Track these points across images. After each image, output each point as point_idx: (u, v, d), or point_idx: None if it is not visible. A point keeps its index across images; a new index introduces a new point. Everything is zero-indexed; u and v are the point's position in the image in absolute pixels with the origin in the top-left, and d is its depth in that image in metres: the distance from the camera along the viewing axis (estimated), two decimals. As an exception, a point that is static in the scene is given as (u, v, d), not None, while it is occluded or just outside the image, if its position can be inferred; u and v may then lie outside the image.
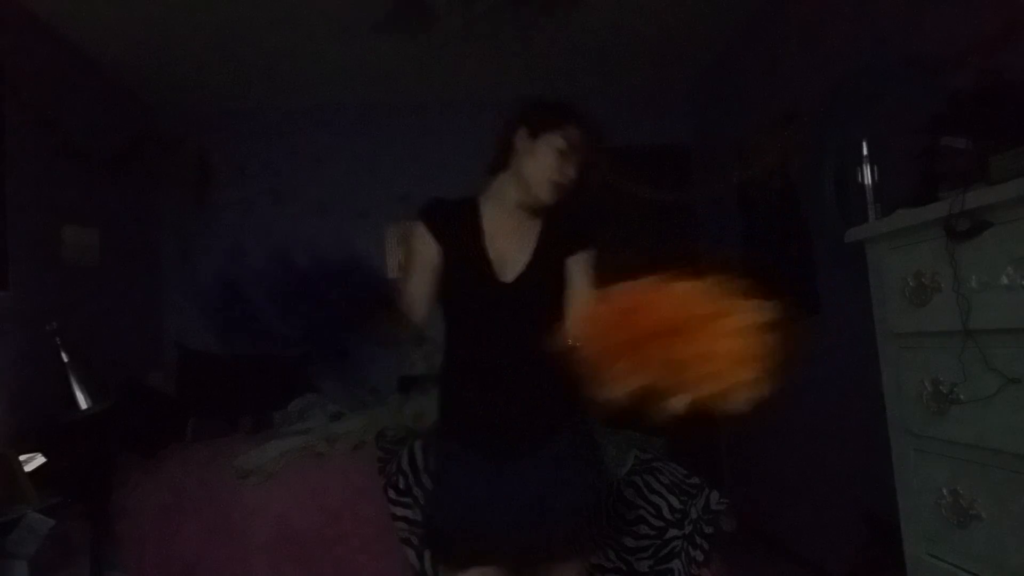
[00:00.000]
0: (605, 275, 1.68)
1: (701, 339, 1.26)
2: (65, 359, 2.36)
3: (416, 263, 1.66)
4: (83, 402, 2.37)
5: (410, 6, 3.20)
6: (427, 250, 1.64)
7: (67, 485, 2.51)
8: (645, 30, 3.66)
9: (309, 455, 2.75)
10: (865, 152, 2.10)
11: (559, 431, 1.64)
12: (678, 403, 1.32)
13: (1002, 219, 1.37)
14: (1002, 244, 1.37)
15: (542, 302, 1.64)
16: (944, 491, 1.56)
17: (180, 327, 4.24)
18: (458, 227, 1.65)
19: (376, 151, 4.45)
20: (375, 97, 4.39)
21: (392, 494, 2.43)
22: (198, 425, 3.41)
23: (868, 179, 2.02)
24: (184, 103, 4.27)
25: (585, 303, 1.64)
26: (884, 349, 1.77)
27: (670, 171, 4.41)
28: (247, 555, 2.53)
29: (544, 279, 1.64)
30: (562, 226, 1.69)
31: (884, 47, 2.48)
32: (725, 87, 4.05)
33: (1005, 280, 1.35)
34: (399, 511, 2.40)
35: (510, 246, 1.64)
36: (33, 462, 2.51)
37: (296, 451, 2.74)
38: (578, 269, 1.68)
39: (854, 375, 2.73)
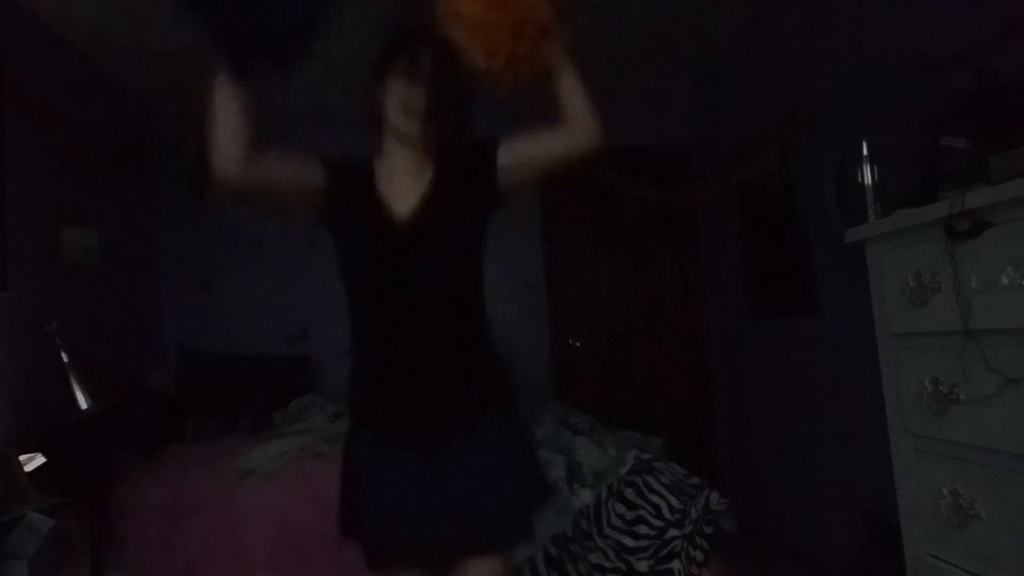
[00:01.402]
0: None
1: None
2: (65, 359, 2.36)
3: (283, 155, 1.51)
4: (83, 402, 2.37)
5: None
6: (307, 161, 1.53)
7: (67, 485, 2.51)
8: (645, 30, 3.66)
9: (309, 455, 2.75)
10: (865, 152, 2.10)
11: (481, 415, 1.49)
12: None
13: (1002, 219, 1.37)
14: (1002, 244, 1.37)
15: (445, 243, 1.50)
16: (944, 491, 1.56)
17: (180, 327, 4.25)
18: (351, 169, 1.55)
19: (376, 151, 4.45)
20: (375, 97, 4.39)
21: (392, 494, 2.42)
22: (198, 425, 3.41)
23: (868, 179, 2.02)
24: (184, 103, 4.27)
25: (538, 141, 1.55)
26: (884, 349, 1.77)
27: (670, 171, 4.42)
28: (247, 555, 2.53)
29: (444, 216, 1.50)
30: (457, 159, 1.56)
31: (884, 47, 2.48)
32: (725, 87, 4.05)
33: (1005, 280, 1.35)
34: (399, 511, 2.40)
35: (404, 186, 1.52)
36: (33, 462, 2.51)
37: (296, 451, 2.74)
38: (510, 147, 1.55)
39: (854, 375, 2.74)
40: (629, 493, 2.48)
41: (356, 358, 1.56)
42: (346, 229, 1.55)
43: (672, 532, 2.40)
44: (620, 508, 2.45)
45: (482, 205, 1.55)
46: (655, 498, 2.46)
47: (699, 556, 2.40)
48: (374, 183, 1.54)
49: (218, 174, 1.38)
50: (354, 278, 1.56)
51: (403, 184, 1.53)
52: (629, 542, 2.39)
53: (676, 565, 2.37)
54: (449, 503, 1.44)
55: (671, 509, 2.43)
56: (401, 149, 1.53)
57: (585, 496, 2.49)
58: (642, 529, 2.41)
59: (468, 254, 1.54)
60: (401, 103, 1.48)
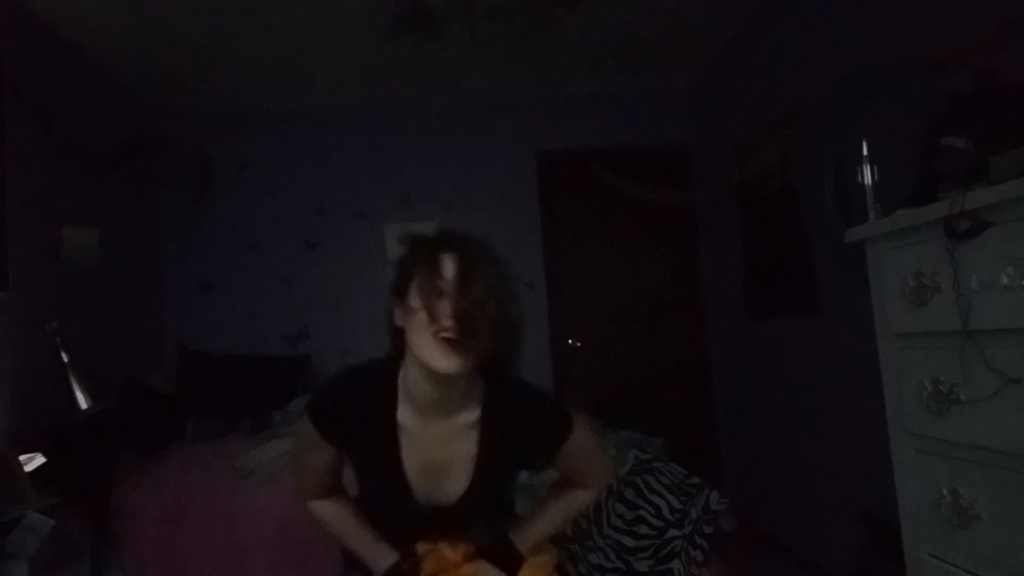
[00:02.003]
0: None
1: None
2: (65, 359, 2.36)
3: (306, 464, 1.43)
4: (83, 402, 2.37)
5: (416, 12, 3.22)
6: (318, 452, 1.38)
7: (67, 485, 2.51)
8: (645, 30, 3.66)
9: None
10: (865, 152, 2.09)
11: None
12: None
13: (1002, 219, 1.37)
14: (1002, 244, 1.37)
15: (484, 521, 1.37)
16: (944, 491, 1.56)
17: (180, 327, 4.25)
18: (368, 430, 1.31)
19: (376, 151, 4.45)
20: (375, 97, 4.39)
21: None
22: (198, 425, 3.41)
23: (868, 179, 2.02)
24: (184, 103, 4.27)
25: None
26: (884, 349, 1.77)
27: (670, 171, 4.42)
28: (247, 555, 2.53)
29: (489, 498, 1.35)
30: (512, 415, 1.33)
31: (884, 47, 2.48)
32: (725, 87, 4.05)
33: (1005, 280, 1.35)
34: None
35: (438, 455, 1.31)
36: (33, 462, 2.51)
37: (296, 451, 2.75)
38: (571, 456, 1.37)
39: (854, 375, 2.74)
40: (629, 493, 2.48)
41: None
42: (368, 499, 1.43)
43: (672, 532, 2.40)
44: (620, 508, 2.45)
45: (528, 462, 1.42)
46: (655, 498, 2.46)
47: (699, 556, 2.40)
48: (396, 449, 1.31)
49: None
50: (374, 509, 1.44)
51: (437, 445, 1.32)
52: (629, 542, 2.39)
53: (676, 565, 2.37)
54: None
55: (671, 509, 2.43)
56: (435, 390, 1.28)
57: (585, 496, 2.49)
58: (642, 529, 2.41)
59: (506, 503, 1.47)
60: (431, 334, 1.21)
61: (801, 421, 3.32)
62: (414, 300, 1.23)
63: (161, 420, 3.33)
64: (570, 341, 4.42)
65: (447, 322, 1.20)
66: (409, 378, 1.30)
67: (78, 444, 2.70)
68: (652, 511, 2.43)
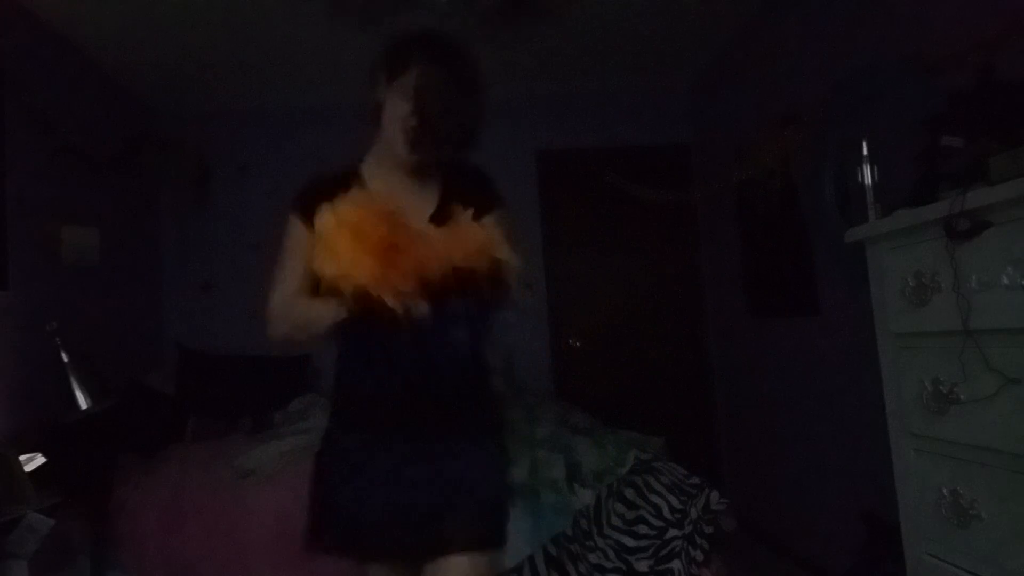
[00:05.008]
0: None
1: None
2: (65, 359, 2.36)
3: (287, 265, 1.49)
4: (83, 402, 2.37)
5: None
6: (299, 243, 1.46)
7: (67, 485, 2.51)
8: (645, 30, 3.66)
9: (309, 455, 2.74)
10: (865, 152, 2.09)
11: (466, 414, 1.48)
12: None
13: (1002, 219, 1.37)
14: (1002, 244, 1.37)
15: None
16: (944, 491, 1.56)
17: (180, 327, 4.24)
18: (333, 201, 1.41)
19: (376, 151, 4.45)
20: (375, 97, 4.39)
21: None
22: (198, 425, 3.41)
23: (868, 179, 2.02)
24: (184, 103, 4.27)
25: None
26: (884, 349, 1.77)
27: (670, 171, 4.42)
28: (247, 555, 2.53)
29: None
30: (463, 187, 1.52)
31: (884, 47, 2.48)
32: (725, 87, 4.05)
33: (1005, 280, 1.35)
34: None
35: (406, 207, 1.43)
36: (33, 462, 2.51)
37: (296, 451, 2.74)
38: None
39: (854, 375, 2.74)
40: (629, 493, 2.48)
41: (344, 365, 1.60)
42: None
43: (672, 532, 2.40)
44: (620, 508, 2.45)
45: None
46: (655, 498, 2.46)
47: (699, 556, 2.40)
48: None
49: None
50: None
51: (404, 205, 1.43)
52: (629, 542, 2.39)
53: (676, 565, 2.37)
54: (428, 503, 1.42)
55: (671, 509, 2.43)
56: (399, 166, 1.47)
57: (585, 496, 2.49)
58: (642, 529, 2.41)
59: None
60: (401, 125, 1.39)
61: (801, 421, 3.32)
62: (393, 92, 1.40)
63: (161, 420, 3.33)
64: (570, 341, 4.42)
65: (415, 120, 1.38)
66: (376, 162, 1.50)
67: (78, 444, 2.70)
68: (652, 511, 2.43)
